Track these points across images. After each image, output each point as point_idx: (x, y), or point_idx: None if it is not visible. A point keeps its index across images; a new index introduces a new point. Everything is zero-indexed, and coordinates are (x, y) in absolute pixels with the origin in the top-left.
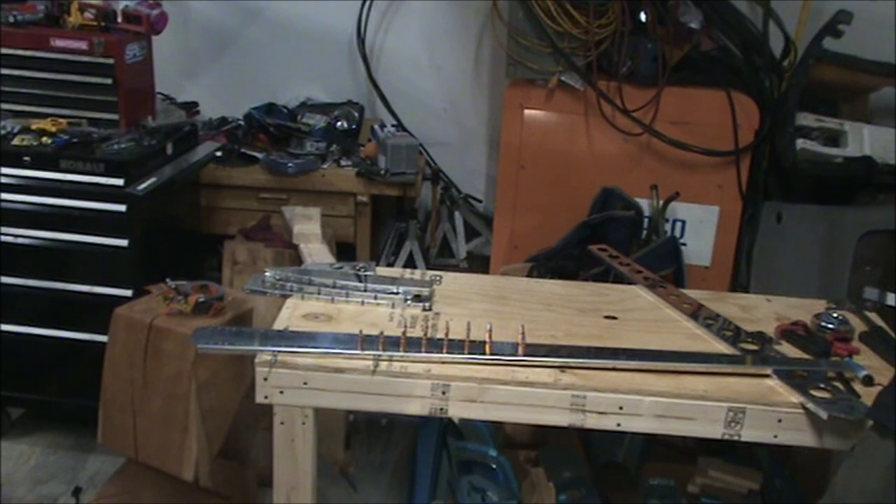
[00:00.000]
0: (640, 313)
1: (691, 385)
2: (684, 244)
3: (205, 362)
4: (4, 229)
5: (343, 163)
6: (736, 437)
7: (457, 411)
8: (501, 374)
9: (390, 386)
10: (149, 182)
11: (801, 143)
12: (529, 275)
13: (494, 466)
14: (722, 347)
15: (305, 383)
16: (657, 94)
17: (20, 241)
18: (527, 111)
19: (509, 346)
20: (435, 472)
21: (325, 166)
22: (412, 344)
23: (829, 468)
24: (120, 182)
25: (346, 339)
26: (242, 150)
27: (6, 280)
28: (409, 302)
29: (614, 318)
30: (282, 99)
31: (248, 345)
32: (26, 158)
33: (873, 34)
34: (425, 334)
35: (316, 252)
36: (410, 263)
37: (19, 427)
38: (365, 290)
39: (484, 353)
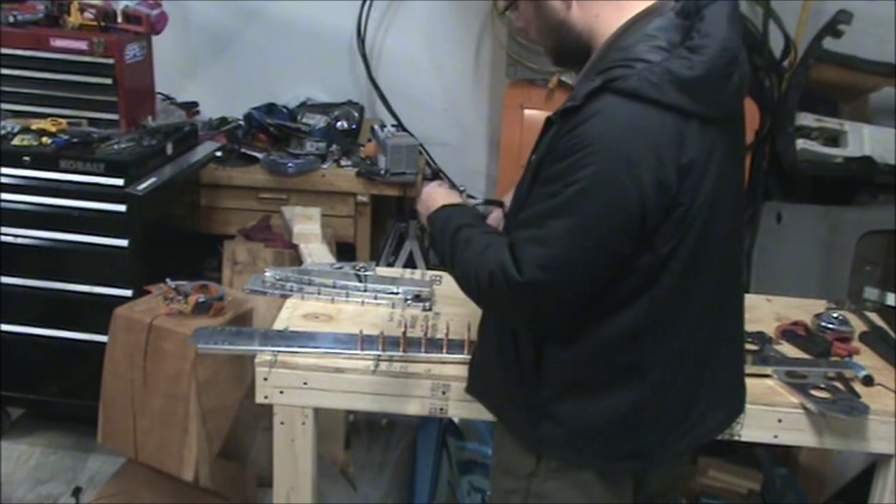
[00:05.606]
0: None
1: None
2: None
3: (205, 362)
4: (4, 229)
5: (343, 163)
6: (736, 437)
7: (457, 411)
8: None
9: (390, 386)
10: (149, 182)
11: (801, 143)
12: None
13: None
14: None
15: (305, 383)
16: None
17: (20, 241)
18: (527, 111)
19: None
20: (435, 472)
21: (325, 166)
22: (412, 344)
23: (828, 468)
24: (120, 182)
25: (346, 339)
26: (242, 150)
27: (6, 280)
28: (409, 302)
29: None
30: (282, 99)
31: (248, 345)
32: (26, 158)
33: (873, 34)
34: (425, 334)
35: (316, 252)
36: (410, 263)
37: (19, 427)
38: (365, 290)
39: None
